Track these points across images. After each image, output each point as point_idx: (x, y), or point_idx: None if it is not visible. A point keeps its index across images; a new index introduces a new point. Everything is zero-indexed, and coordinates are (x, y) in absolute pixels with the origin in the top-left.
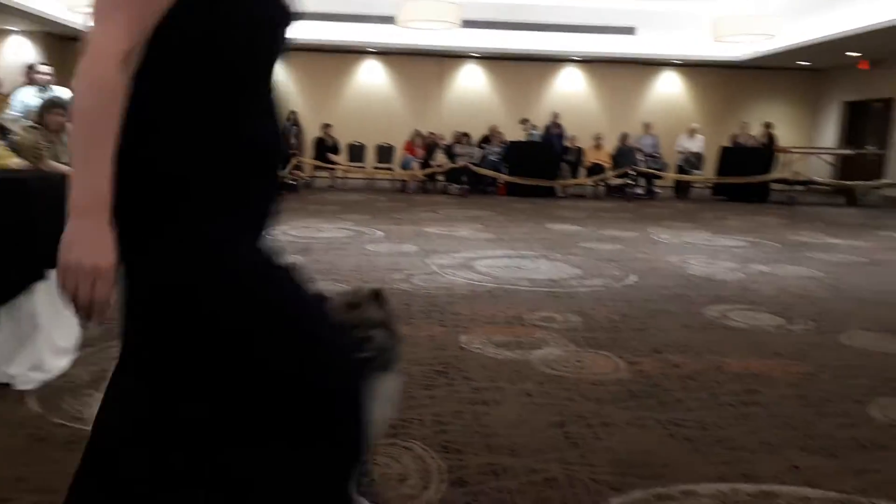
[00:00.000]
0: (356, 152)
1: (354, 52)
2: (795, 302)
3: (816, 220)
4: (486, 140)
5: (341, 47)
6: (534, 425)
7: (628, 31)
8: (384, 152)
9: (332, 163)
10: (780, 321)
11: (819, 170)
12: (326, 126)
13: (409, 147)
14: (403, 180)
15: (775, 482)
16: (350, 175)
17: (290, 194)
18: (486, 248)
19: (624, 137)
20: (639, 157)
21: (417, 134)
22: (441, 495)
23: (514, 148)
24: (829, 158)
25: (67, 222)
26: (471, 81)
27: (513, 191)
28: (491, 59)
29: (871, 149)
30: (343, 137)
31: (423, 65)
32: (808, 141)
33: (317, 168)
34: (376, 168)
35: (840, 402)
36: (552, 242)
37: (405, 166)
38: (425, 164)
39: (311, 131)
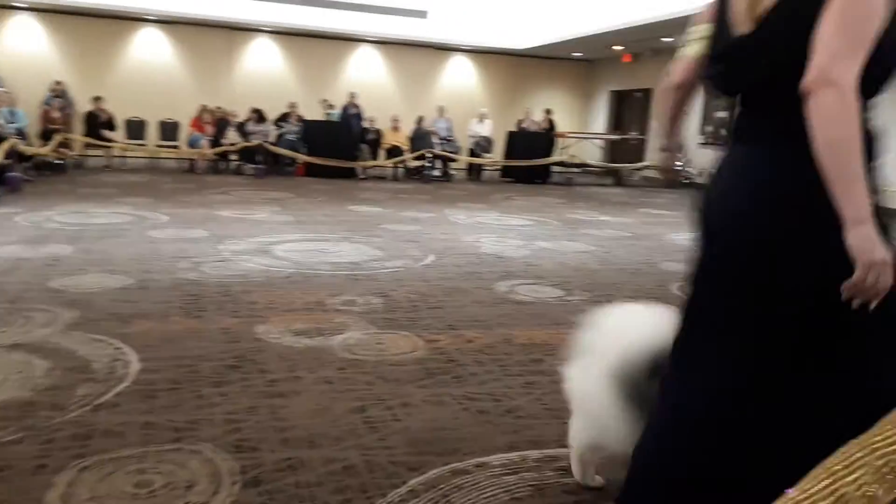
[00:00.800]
0: (135, 129)
1: (131, 19)
2: (573, 275)
3: (590, 200)
4: (283, 118)
5: (116, 13)
6: (333, 413)
7: (420, 14)
8: (168, 129)
9: (108, 140)
10: (560, 293)
11: (592, 153)
12: (97, 99)
13: (197, 124)
14: (191, 160)
15: (558, 446)
16: (129, 154)
17: (55, 175)
18: (285, 232)
19: (420, 120)
20: (435, 140)
21: (205, 109)
22: (234, 498)
23: (312, 127)
24: (599, 143)
25: (848, 231)
26: (264, 57)
27: (312, 171)
28: (285, 35)
29: (634, 134)
30: (120, 112)
31: (210, 36)
32: (583, 126)
33: (89, 146)
34: (160, 146)
35: None
36: (354, 224)
37: (193, 144)
38: (216, 143)
39: (82, 105)
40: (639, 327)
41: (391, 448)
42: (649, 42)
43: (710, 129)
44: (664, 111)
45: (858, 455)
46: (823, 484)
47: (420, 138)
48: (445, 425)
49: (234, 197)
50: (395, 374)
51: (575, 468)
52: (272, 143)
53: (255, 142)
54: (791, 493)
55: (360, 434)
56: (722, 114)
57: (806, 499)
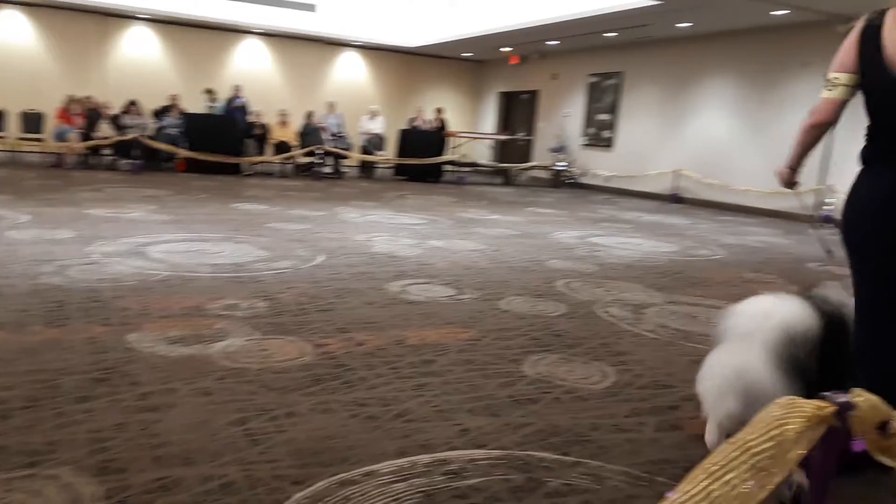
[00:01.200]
0: None
1: None
2: (464, 273)
3: (481, 199)
4: (163, 111)
5: None
6: (212, 427)
7: (309, 7)
8: (31, 120)
9: None
10: (451, 292)
11: (482, 153)
12: None
13: (64, 115)
14: (58, 153)
15: (448, 448)
16: None
17: None
18: (162, 232)
19: (309, 115)
20: (325, 136)
21: (73, 100)
22: None
23: (194, 121)
24: (489, 143)
25: None
26: (141, 46)
27: (194, 167)
28: (164, 24)
29: (522, 135)
30: None
31: (79, 22)
32: (473, 126)
33: None
34: (22, 139)
35: (500, 363)
36: (238, 223)
37: (60, 137)
38: (86, 136)
39: None
40: (780, 312)
41: (274, 461)
42: (536, 45)
43: (591, 131)
44: (805, 142)
45: (734, 454)
46: (702, 486)
47: (310, 134)
48: (333, 434)
49: (106, 194)
50: (281, 382)
51: (711, 435)
52: (150, 137)
53: (130, 135)
54: (671, 495)
55: (240, 448)
56: (603, 117)
57: (685, 500)
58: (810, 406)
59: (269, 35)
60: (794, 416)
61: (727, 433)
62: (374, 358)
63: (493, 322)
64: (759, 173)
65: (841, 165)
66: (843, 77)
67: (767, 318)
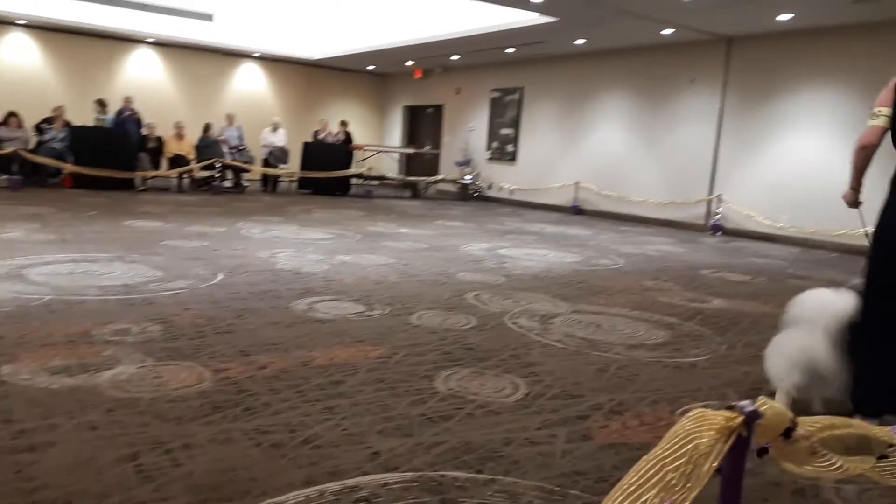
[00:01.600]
0: None
1: None
2: (374, 289)
3: (389, 212)
4: (45, 123)
5: None
6: (98, 464)
7: (206, 17)
8: None
9: None
10: (361, 308)
11: (389, 166)
12: None
13: None
14: None
15: (358, 473)
16: None
17: None
18: (45, 253)
19: (207, 128)
20: (224, 149)
21: None
22: None
23: (81, 134)
24: (396, 156)
25: None
26: (20, 54)
27: (82, 183)
28: (45, 31)
29: (428, 148)
30: None
31: None
32: (379, 140)
33: None
34: None
35: (412, 381)
36: (130, 242)
37: None
38: None
39: None
40: (836, 302)
41: (169, 499)
42: (439, 59)
43: (496, 145)
44: (858, 164)
45: (650, 473)
46: None
47: (208, 147)
48: (234, 465)
49: None
50: (176, 412)
51: (780, 400)
52: (31, 151)
53: (9, 149)
54: None
55: (130, 486)
56: (506, 131)
57: None
58: (720, 417)
59: (163, 45)
60: (705, 428)
61: (792, 401)
62: (279, 381)
63: (405, 338)
64: (654, 185)
65: (724, 179)
66: (885, 110)
67: (826, 307)
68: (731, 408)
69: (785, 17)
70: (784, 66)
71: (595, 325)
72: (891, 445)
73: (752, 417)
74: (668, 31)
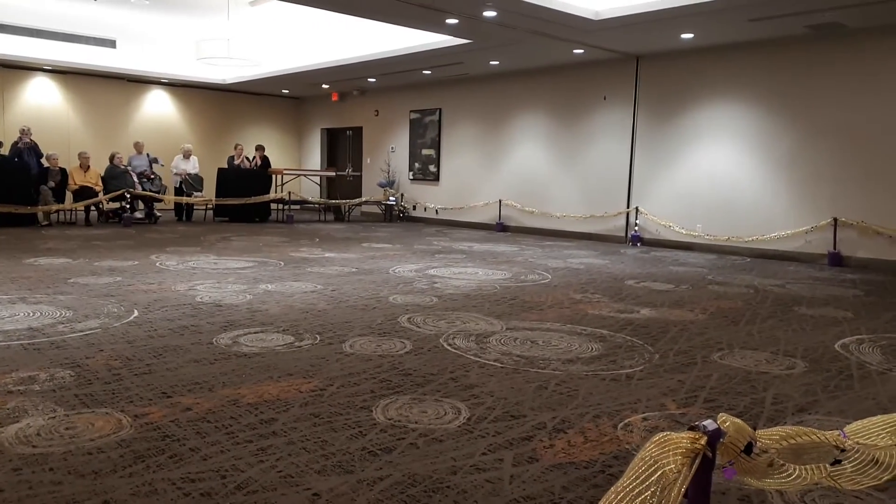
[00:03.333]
0: None
1: None
2: (302, 317)
3: (313, 236)
4: None
5: None
6: None
7: (109, 43)
8: None
9: None
10: (289, 339)
11: (310, 189)
12: None
13: None
14: None
15: None
16: None
17: None
18: None
19: (112, 157)
20: (134, 178)
21: None
22: None
23: None
24: (317, 179)
25: None
26: None
27: None
28: None
29: (350, 171)
30: None
31: None
32: (298, 163)
33: None
34: None
35: (349, 413)
36: (33, 281)
37: None
38: None
39: None
40: None
41: None
42: (355, 82)
43: (418, 165)
44: None
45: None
46: None
47: (115, 177)
48: None
49: None
50: (93, 465)
51: None
52: None
53: None
54: None
55: None
56: (428, 152)
57: None
58: (685, 440)
59: (62, 72)
60: (671, 452)
61: None
62: (206, 423)
63: (338, 368)
64: (574, 199)
65: (640, 192)
66: None
67: None
68: (693, 428)
69: (687, 35)
70: (689, 82)
71: (530, 341)
72: (842, 450)
73: (715, 437)
74: (579, 51)
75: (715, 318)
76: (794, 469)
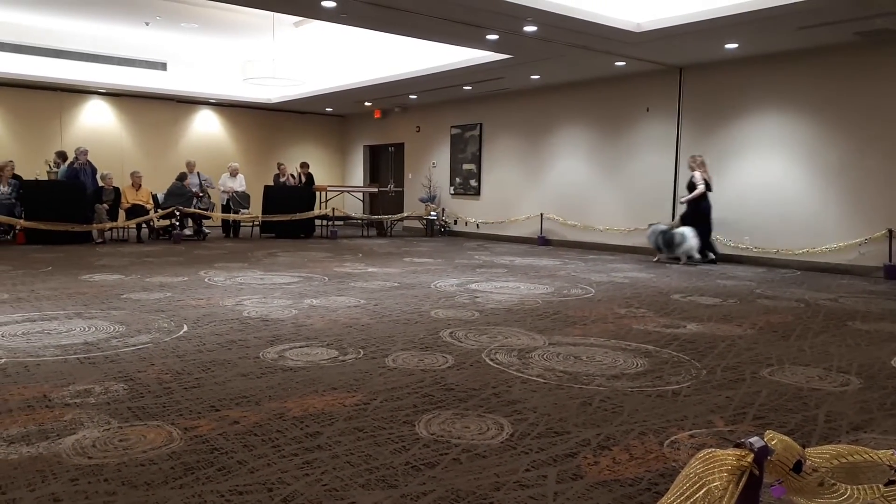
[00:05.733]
0: None
1: None
2: (345, 332)
3: (356, 252)
4: None
5: None
6: None
7: (160, 66)
8: None
9: None
10: (333, 353)
11: (353, 205)
12: None
13: None
14: None
15: None
16: None
17: None
18: None
19: (183, 176)
20: (187, 196)
21: None
22: None
23: (30, 188)
24: (359, 195)
25: None
26: None
27: (35, 238)
28: None
29: (392, 186)
30: None
31: None
32: (341, 180)
33: None
34: None
35: (392, 427)
36: (89, 297)
37: None
38: None
39: None
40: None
41: None
42: (397, 99)
43: (459, 180)
44: None
45: None
46: None
47: (170, 195)
48: None
49: None
50: (145, 477)
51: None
52: None
53: None
54: None
55: None
56: (469, 166)
57: None
58: (731, 457)
59: (116, 95)
60: (716, 470)
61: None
62: (253, 436)
63: (381, 382)
64: (617, 212)
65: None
66: None
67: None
68: (739, 445)
69: (731, 45)
70: (735, 92)
71: (574, 356)
72: None
73: (762, 454)
74: (621, 63)
75: (764, 333)
76: (846, 489)
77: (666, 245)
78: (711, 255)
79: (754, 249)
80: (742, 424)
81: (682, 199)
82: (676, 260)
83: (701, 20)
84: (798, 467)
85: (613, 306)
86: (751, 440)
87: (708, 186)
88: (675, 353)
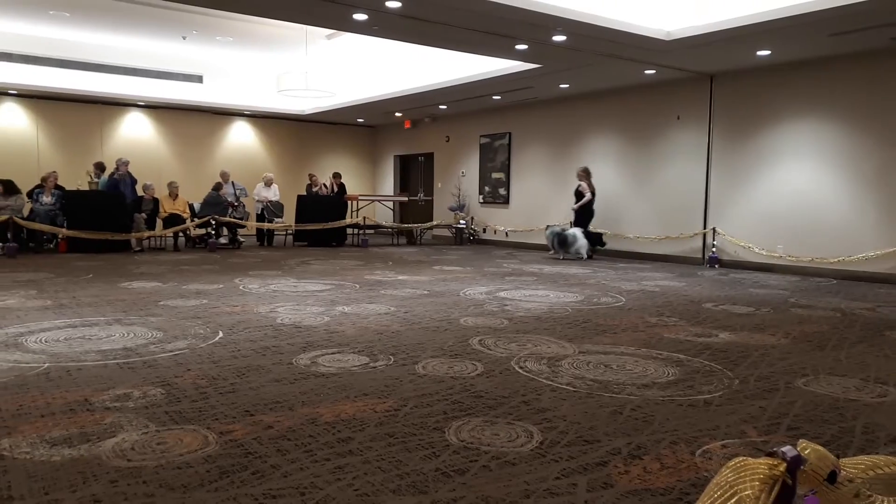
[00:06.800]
0: None
1: None
2: (376, 339)
3: (387, 260)
4: (38, 188)
5: None
6: None
7: (196, 78)
8: None
9: None
10: (364, 360)
11: (384, 214)
12: None
13: None
14: None
15: None
16: None
17: None
18: (42, 319)
19: (219, 186)
20: (223, 206)
21: None
22: None
23: (73, 198)
24: (390, 204)
25: None
26: (12, 122)
27: (77, 247)
28: (37, 99)
29: (421, 195)
30: None
31: None
32: (372, 189)
33: None
34: None
35: (423, 434)
36: (128, 304)
37: None
38: None
39: None
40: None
41: None
42: (427, 109)
43: (487, 189)
44: None
45: None
46: None
47: (217, 204)
48: None
49: None
50: (182, 479)
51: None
52: (25, 217)
53: (1, 216)
54: None
55: None
56: (498, 175)
57: None
58: (763, 466)
59: (154, 107)
60: (748, 478)
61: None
62: (286, 441)
63: (411, 389)
64: (648, 221)
65: (718, 212)
66: None
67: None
68: (771, 454)
69: (764, 52)
70: (767, 99)
71: (604, 365)
72: None
73: (795, 464)
74: (650, 71)
75: (799, 343)
76: (883, 501)
77: (561, 244)
78: (597, 248)
79: (788, 258)
80: (776, 435)
81: (574, 207)
82: (589, 256)
83: (731, 28)
84: (832, 478)
85: (644, 315)
86: (783, 449)
87: (593, 194)
88: (707, 362)
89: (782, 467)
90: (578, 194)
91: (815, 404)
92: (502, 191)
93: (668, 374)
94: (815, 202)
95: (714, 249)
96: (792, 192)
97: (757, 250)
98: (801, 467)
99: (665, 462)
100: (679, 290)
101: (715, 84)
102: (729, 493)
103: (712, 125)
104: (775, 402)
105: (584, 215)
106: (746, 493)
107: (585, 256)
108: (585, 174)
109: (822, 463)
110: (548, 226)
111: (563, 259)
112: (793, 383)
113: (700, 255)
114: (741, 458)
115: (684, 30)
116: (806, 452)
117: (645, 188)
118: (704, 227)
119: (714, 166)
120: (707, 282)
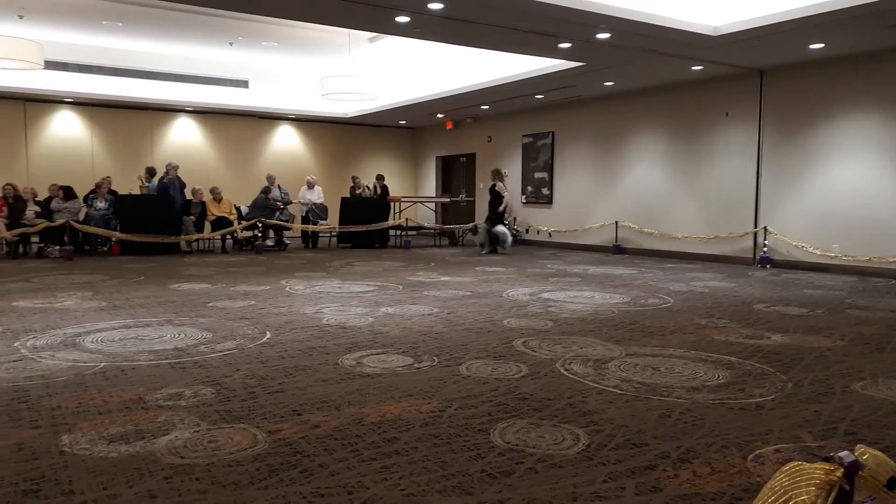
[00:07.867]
0: None
1: None
2: (420, 340)
3: (429, 261)
4: (93, 193)
5: None
6: None
7: (242, 83)
8: None
9: None
10: (408, 360)
11: (426, 215)
12: None
13: None
14: None
15: None
16: None
17: None
18: (98, 320)
19: (268, 190)
20: (271, 208)
21: None
22: None
23: (125, 202)
24: (432, 206)
25: None
26: (68, 129)
27: (129, 249)
28: (91, 106)
29: (463, 196)
30: None
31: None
32: (414, 190)
33: None
34: None
35: (468, 435)
36: (178, 305)
37: None
38: (14, 223)
39: None
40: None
41: None
42: (468, 110)
43: (530, 189)
44: None
45: None
46: None
47: (262, 207)
48: None
49: (36, 283)
50: (233, 477)
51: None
52: (80, 221)
53: (59, 220)
54: None
55: None
56: (541, 175)
57: None
58: (819, 471)
59: (201, 112)
60: (804, 483)
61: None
62: (333, 440)
63: (456, 390)
64: (696, 220)
65: (769, 211)
66: None
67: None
68: (828, 459)
69: (816, 46)
70: (820, 94)
71: (652, 367)
72: None
73: (853, 469)
74: (697, 67)
75: (855, 345)
76: None
77: (492, 241)
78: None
79: (844, 258)
80: (832, 440)
81: (501, 209)
82: (494, 252)
83: (782, 21)
84: (892, 484)
85: (693, 316)
86: (840, 454)
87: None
88: (759, 364)
89: (839, 472)
90: (496, 194)
91: (873, 409)
92: (545, 190)
93: (719, 376)
94: (872, 200)
95: (765, 249)
96: (847, 190)
97: (811, 250)
98: (859, 473)
99: (715, 466)
100: (729, 290)
101: (765, 79)
102: (784, 499)
103: (762, 121)
104: (831, 406)
105: (497, 214)
106: (802, 498)
107: (508, 247)
108: (499, 175)
109: (881, 469)
110: (476, 224)
111: (500, 254)
112: (849, 387)
113: (750, 255)
114: (796, 463)
115: (732, 24)
116: (864, 458)
117: (692, 187)
118: (755, 227)
119: (765, 164)
120: (758, 282)
